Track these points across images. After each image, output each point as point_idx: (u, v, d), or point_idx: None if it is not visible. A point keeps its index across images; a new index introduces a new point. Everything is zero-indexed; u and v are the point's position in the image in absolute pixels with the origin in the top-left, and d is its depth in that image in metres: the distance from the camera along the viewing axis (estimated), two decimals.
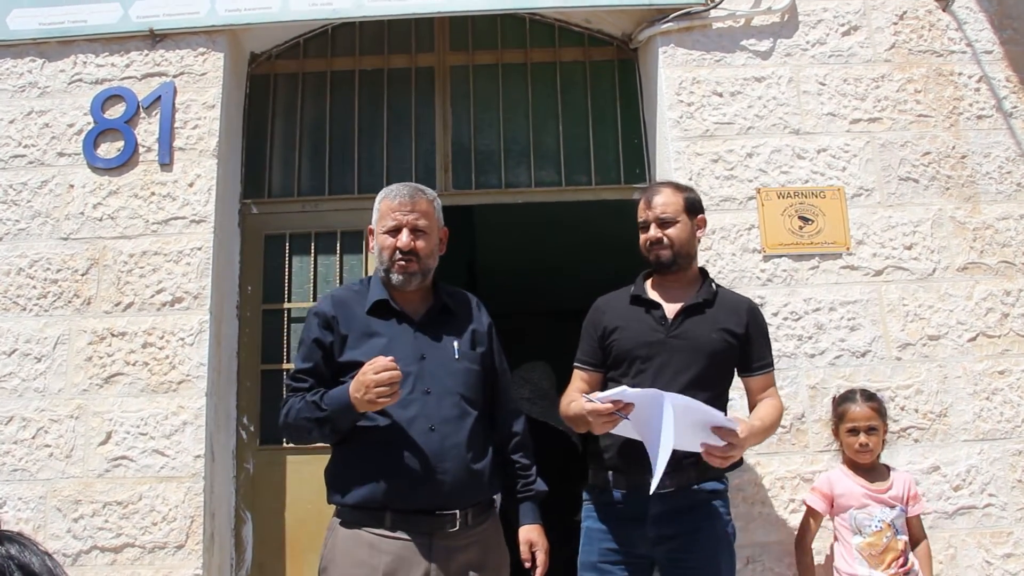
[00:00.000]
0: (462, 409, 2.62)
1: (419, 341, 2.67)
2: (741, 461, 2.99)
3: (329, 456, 2.75)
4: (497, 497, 2.83)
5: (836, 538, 3.32)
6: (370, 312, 2.70)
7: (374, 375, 2.41)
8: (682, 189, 3.08)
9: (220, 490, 3.82)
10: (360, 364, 2.49)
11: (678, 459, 2.68)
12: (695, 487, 2.86)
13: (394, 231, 2.70)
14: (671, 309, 2.99)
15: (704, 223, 3.09)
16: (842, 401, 3.46)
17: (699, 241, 3.10)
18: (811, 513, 3.41)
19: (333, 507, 2.70)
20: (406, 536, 2.52)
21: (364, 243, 4.13)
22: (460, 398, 2.63)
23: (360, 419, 2.55)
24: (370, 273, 3.17)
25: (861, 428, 3.33)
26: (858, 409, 3.36)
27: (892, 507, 3.24)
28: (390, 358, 2.45)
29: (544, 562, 2.72)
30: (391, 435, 2.55)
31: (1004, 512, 3.63)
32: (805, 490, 3.58)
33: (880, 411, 3.38)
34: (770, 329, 3.72)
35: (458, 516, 2.55)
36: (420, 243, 2.69)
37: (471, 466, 2.58)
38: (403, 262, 2.68)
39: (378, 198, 2.82)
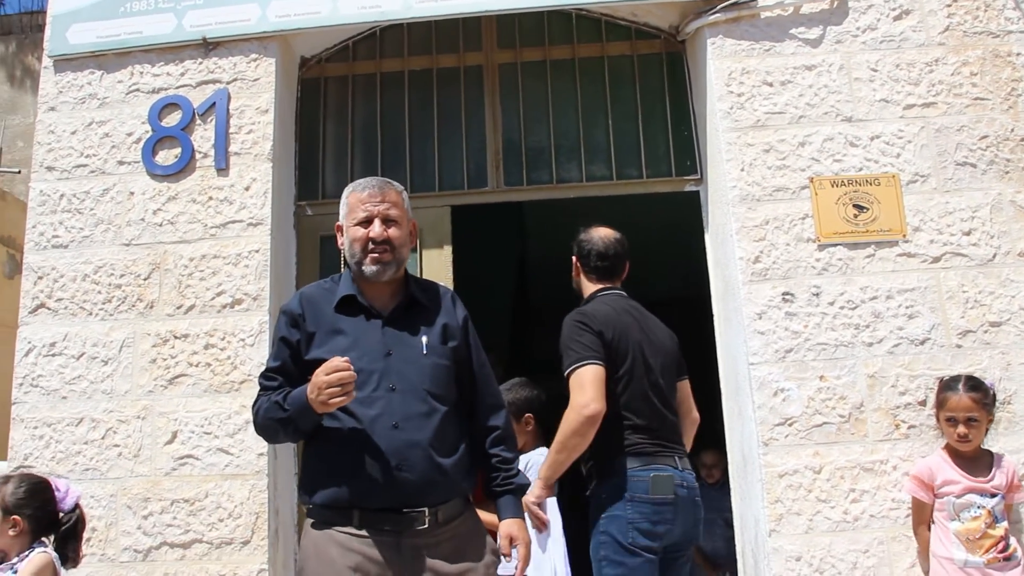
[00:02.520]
0: (429, 405, 2.54)
1: (386, 337, 2.59)
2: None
3: None
4: None
5: (933, 521, 3.30)
6: (338, 309, 2.63)
7: (325, 376, 2.35)
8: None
9: (283, 486, 3.89)
10: (324, 362, 2.42)
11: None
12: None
13: (365, 222, 2.63)
14: None
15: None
16: (945, 388, 3.42)
17: None
18: (917, 501, 3.38)
19: None
20: (375, 535, 2.45)
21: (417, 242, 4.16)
22: (427, 394, 2.54)
23: (320, 420, 2.48)
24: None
25: (960, 419, 3.29)
26: (957, 399, 3.32)
27: (993, 496, 3.22)
28: (345, 359, 2.39)
29: (525, 556, 2.61)
30: (355, 434, 2.49)
31: None
32: (865, 480, 3.55)
33: (982, 401, 3.31)
34: (826, 318, 3.71)
35: (427, 514, 2.47)
36: (393, 232, 2.63)
37: (438, 463, 2.49)
38: (376, 253, 2.60)
39: (344, 193, 2.74)
